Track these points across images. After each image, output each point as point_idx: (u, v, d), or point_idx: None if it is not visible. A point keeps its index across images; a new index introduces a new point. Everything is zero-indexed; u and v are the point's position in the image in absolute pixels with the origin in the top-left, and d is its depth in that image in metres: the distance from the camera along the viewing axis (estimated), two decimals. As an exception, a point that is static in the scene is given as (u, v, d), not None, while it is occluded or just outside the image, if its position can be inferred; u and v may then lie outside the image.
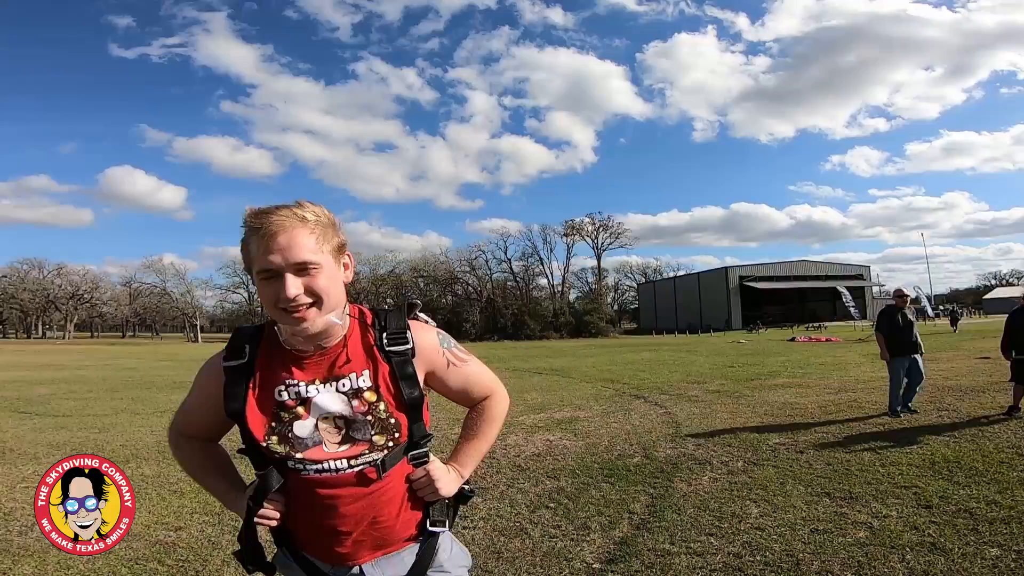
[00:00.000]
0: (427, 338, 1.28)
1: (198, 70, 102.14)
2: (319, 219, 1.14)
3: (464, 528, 3.66)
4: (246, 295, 76.09)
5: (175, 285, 69.63)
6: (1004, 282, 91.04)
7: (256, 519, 1.22)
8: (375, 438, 1.19)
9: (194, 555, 3.34)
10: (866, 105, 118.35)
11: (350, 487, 1.19)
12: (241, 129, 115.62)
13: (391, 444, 1.21)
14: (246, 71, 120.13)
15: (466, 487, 1.35)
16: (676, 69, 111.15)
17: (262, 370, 1.20)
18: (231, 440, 1.30)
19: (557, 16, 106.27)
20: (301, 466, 1.18)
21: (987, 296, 76.27)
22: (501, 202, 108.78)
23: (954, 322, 31.34)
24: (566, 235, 68.43)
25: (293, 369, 1.19)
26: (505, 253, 65.21)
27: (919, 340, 6.95)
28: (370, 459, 1.19)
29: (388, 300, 66.27)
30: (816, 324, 46.25)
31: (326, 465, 1.18)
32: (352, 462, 1.18)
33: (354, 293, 69.41)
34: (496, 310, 60.18)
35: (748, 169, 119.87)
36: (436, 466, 1.28)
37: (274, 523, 1.23)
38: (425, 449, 1.28)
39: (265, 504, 1.21)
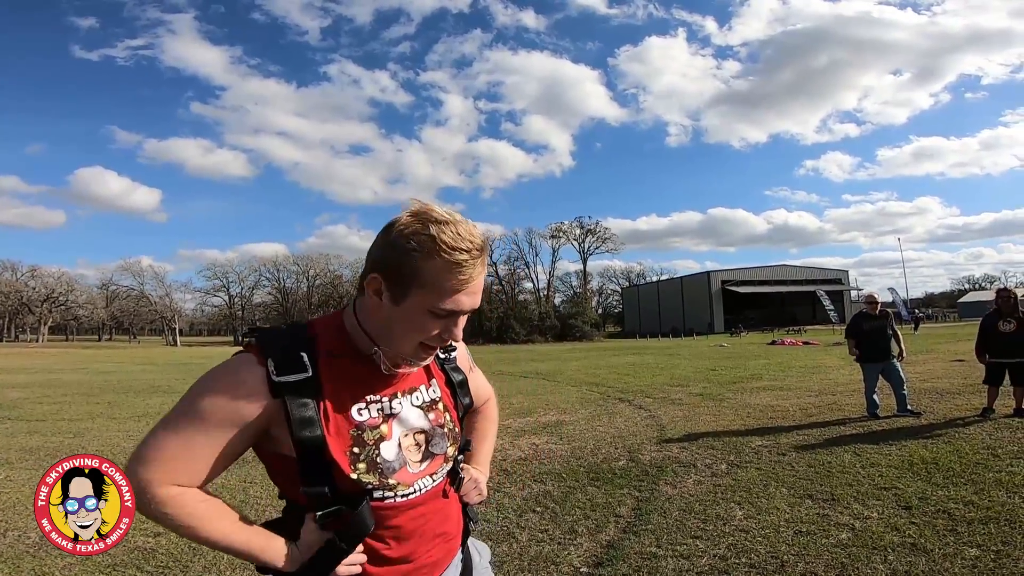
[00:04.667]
0: (461, 345, 1.22)
1: (166, 71, 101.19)
2: None
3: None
4: (226, 298, 75.01)
5: (153, 288, 68.68)
6: (977, 286, 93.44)
7: (345, 566, 0.99)
8: (449, 450, 1.11)
9: (174, 561, 3.26)
10: (836, 110, 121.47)
11: (431, 505, 1.08)
12: (213, 131, 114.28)
13: (456, 454, 1.15)
14: (215, 73, 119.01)
15: None
16: (649, 73, 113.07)
17: (333, 384, 0.99)
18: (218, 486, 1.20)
19: (529, 19, 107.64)
20: (392, 494, 1.01)
21: (961, 300, 78.15)
22: (481, 206, 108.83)
23: (916, 324, 35.12)
24: (552, 238, 68.77)
25: (372, 382, 1.03)
26: (491, 256, 65.09)
27: (894, 345, 7.02)
28: (444, 472, 1.11)
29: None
30: (796, 328, 46.93)
31: (416, 487, 1.04)
32: (434, 478, 1.08)
33: (338, 296, 69.25)
34: (481, 313, 60.03)
35: (724, 174, 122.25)
36: (477, 471, 1.26)
37: (358, 569, 1.01)
38: (462, 456, 1.22)
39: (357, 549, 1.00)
